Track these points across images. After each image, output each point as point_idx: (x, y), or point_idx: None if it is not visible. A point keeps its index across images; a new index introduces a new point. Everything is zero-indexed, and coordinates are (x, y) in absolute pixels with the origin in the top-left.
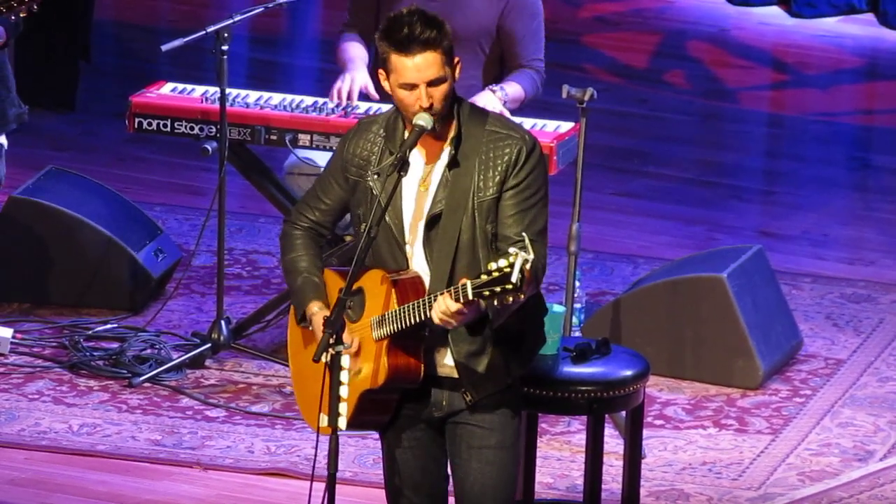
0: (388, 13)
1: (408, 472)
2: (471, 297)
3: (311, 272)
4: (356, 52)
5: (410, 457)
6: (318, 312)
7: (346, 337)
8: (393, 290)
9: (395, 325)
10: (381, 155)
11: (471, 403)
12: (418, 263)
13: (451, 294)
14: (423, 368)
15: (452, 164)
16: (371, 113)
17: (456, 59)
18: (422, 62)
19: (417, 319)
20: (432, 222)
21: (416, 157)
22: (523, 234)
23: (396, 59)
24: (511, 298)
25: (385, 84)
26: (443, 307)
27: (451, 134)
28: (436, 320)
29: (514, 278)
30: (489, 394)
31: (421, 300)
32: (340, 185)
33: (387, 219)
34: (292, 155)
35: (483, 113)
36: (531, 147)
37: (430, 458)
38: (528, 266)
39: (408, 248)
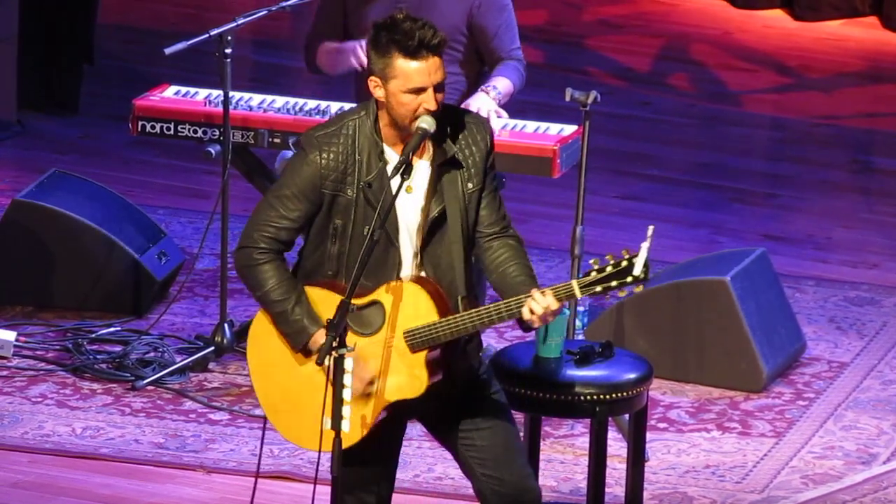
0: (357, 20)
1: (370, 462)
2: (579, 295)
3: (298, 301)
4: (338, 43)
5: (375, 447)
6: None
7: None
8: (432, 302)
9: (446, 334)
10: (359, 163)
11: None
12: (411, 266)
13: (554, 292)
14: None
15: (448, 161)
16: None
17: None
18: (431, 66)
19: (487, 326)
20: (435, 225)
21: (393, 159)
22: (649, 227)
23: (404, 64)
24: (625, 292)
25: (377, 91)
26: (544, 306)
27: (444, 132)
28: (526, 316)
29: (637, 271)
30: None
31: (501, 304)
32: (310, 200)
33: (385, 225)
34: (284, 154)
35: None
36: (490, 128)
37: (396, 447)
38: (648, 261)
39: (401, 252)
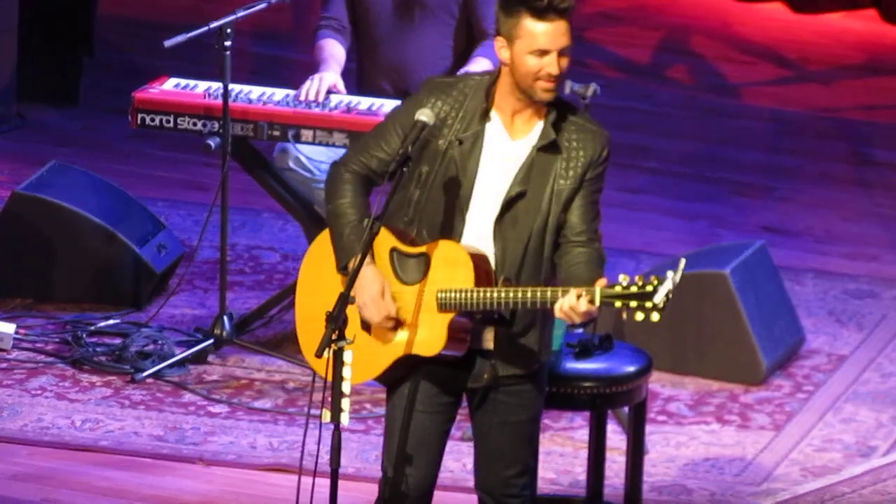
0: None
1: (421, 436)
2: (598, 303)
3: (360, 221)
4: (330, 52)
5: (430, 423)
6: (366, 266)
7: (348, 332)
8: (472, 267)
9: (475, 303)
10: (463, 119)
11: (496, 378)
12: (475, 237)
13: (580, 295)
14: (468, 345)
15: (547, 147)
16: (343, 105)
17: None
18: (557, 29)
19: (512, 305)
20: (510, 203)
21: (501, 132)
22: (681, 259)
23: (531, 25)
24: (643, 316)
25: (502, 52)
26: (570, 305)
27: (541, 118)
28: (558, 315)
29: (657, 299)
30: (517, 374)
31: (536, 289)
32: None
33: (461, 188)
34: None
35: (565, 101)
36: (610, 145)
37: (447, 426)
38: (671, 293)
39: (468, 222)
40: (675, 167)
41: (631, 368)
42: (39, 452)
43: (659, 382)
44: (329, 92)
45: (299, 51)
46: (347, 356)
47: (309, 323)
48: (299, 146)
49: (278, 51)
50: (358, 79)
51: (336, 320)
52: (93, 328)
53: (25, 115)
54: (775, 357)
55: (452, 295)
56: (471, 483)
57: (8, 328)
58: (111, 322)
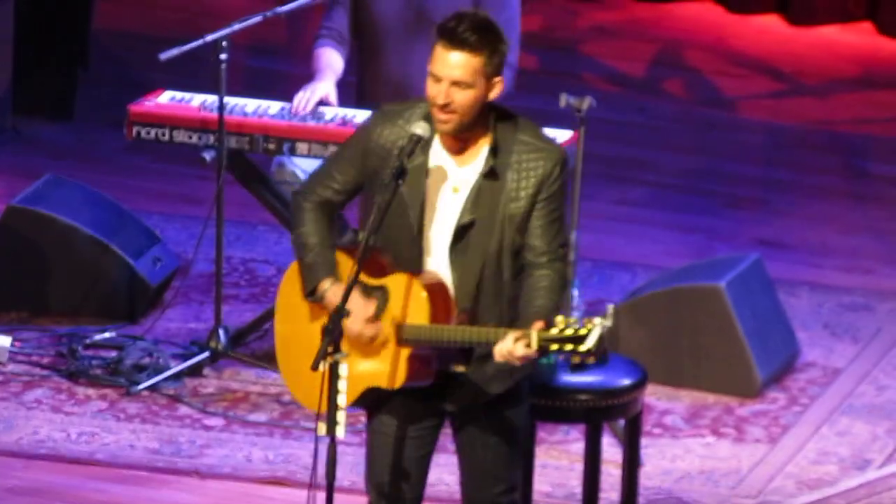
0: (367, 12)
1: (403, 463)
2: (535, 347)
3: (322, 247)
4: (327, 61)
5: (411, 448)
6: (330, 289)
7: (343, 345)
8: (428, 304)
9: (429, 339)
10: (411, 146)
11: (477, 402)
12: (435, 264)
13: (518, 339)
14: (435, 374)
15: (489, 174)
16: (338, 118)
17: (496, 79)
18: (456, 60)
19: (466, 345)
20: (461, 231)
21: (447, 160)
22: (608, 305)
23: (438, 49)
24: (578, 359)
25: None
26: (508, 349)
27: (488, 143)
28: (498, 358)
29: (590, 344)
30: (494, 395)
31: (476, 330)
32: (357, 169)
33: (410, 219)
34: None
35: (513, 120)
36: (564, 161)
37: (428, 448)
38: (604, 336)
39: (427, 252)
40: (670, 180)
41: (626, 381)
42: (35, 465)
43: (654, 395)
44: (321, 103)
45: (295, 64)
46: (343, 369)
47: (284, 352)
48: (296, 160)
49: (274, 64)
50: (357, 92)
51: (332, 333)
52: (88, 341)
53: (20, 128)
54: (770, 370)
55: (409, 330)
56: None
57: (4, 341)
58: (107, 335)
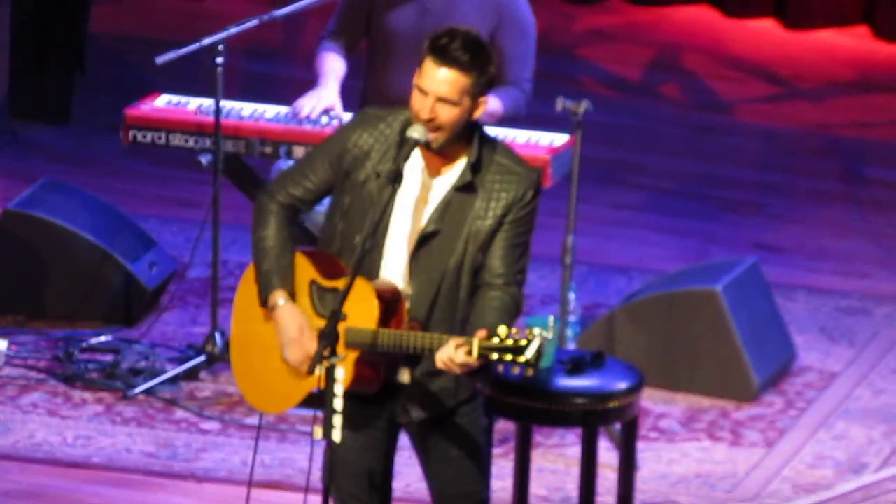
0: (381, 24)
1: (361, 473)
2: (475, 355)
3: (281, 255)
4: (332, 66)
5: (368, 458)
6: (283, 306)
7: (339, 348)
8: (377, 310)
9: (372, 343)
10: (384, 153)
11: (416, 420)
12: (392, 272)
13: (459, 346)
14: (381, 381)
15: (463, 188)
16: (335, 121)
17: (481, 99)
18: (444, 76)
19: (410, 350)
20: (424, 240)
21: (417, 169)
22: (549, 316)
23: (427, 63)
24: (518, 370)
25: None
26: (449, 356)
27: (466, 158)
28: (439, 364)
29: (529, 355)
30: (435, 413)
31: (418, 335)
32: (333, 169)
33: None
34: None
35: (493, 142)
36: (536, 186)
37: (387, 458)
38: (544, 348)
39: (385, 257)
40: (666, 184)
41: (622, 385)
42: (31, 469)
43: (650, 399)
44: (326, 112)
45: (291, 68)
46: (339, 373)
47: (238, 356)
48: None
49: (270, 68)
50: (362, 99)
51: (328, 337)
52: (85, 345)
53: (17, 132)
54: (767, 374)
55: (356, 333)
56: None
57: (0, 345)
58: (103, 339)
